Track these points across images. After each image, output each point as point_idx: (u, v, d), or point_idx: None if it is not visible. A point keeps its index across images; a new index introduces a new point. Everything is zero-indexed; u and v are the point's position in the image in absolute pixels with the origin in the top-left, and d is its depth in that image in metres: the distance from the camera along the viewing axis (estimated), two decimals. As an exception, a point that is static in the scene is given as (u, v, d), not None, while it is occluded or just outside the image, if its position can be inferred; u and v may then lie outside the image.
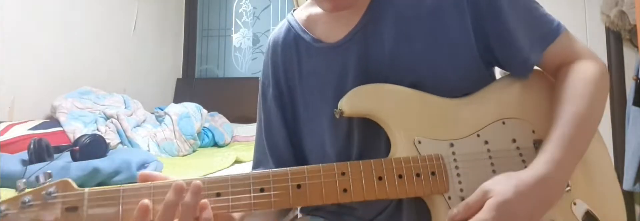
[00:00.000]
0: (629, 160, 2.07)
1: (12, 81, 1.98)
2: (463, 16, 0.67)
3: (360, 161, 0.59)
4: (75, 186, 0.51)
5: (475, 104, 0.68)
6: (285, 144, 0.77)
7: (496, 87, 0.70)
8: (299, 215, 0.83)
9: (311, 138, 0.76)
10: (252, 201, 0.54)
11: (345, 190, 0.56)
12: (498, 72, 0.78)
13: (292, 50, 0.76)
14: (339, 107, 0.64)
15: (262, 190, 0.54)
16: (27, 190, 0.50)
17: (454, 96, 0.67)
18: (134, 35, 2.84)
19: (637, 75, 2.05)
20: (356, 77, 0.69)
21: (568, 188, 0.64)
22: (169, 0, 3.24)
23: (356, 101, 0.64)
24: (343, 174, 0.57)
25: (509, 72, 0.73)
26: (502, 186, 0.56)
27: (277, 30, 0.81)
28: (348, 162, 0.58)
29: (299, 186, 0.55)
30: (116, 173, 1.45)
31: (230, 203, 0.53)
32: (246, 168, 1.96)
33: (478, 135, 0.65)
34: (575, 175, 0.64)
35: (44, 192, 0.49)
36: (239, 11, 3.34)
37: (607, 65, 2.38)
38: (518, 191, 0.55)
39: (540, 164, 0.59)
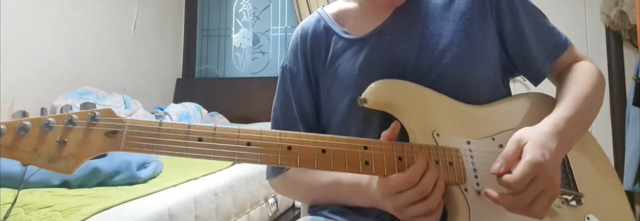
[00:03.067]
0: (629, 160, 2.07)
1: (12, 81, 1.98)
2: (488, 22, 0.72)
3: (381, 141, 0.60)
4: (117, 114, 0.53)
5: (492, 112, 0.71)
6: (315, 127, 0.81)
7: (511, 102, 0.75)
8: (301, 215, 0.83)
9: (330, 123, 0.79)
10: (280, 156, 0.55)
11: (366, 163, 0.57)
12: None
13: (322, 39, 0.80)
14: (363, 96, 0.65)
15: (289, 148, 0.56)
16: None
17: (469, 99, 0.70)
18: (134, 35, 2.84)
19: (637, 75, 2.05)
20: (379, 70, 0.72)
21: (577, 197, 0.66)
22: (169, 0, 3.24)
23: (380, 92, 0.66)
24: (365, 148, 0.58)
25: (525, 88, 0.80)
26: (528, 132, 0.61)
27: (307, 21, 0.85)
28: (369, 139, 0.59)
29: (323, 150, 0.57)
30: (116, 173, 1.45)
31: (258, 153, 0.54)
32: (247, 168, 1.96)
33: (493, 139, 0.67)
34: (587, 190, 0.68)
35: (89, 114, 0.52)
36: (239, 11, 3.34)
37: (607, 65, 2.39)
38: (545, 133, 0.61)
39: (552, 118, 0.65)
